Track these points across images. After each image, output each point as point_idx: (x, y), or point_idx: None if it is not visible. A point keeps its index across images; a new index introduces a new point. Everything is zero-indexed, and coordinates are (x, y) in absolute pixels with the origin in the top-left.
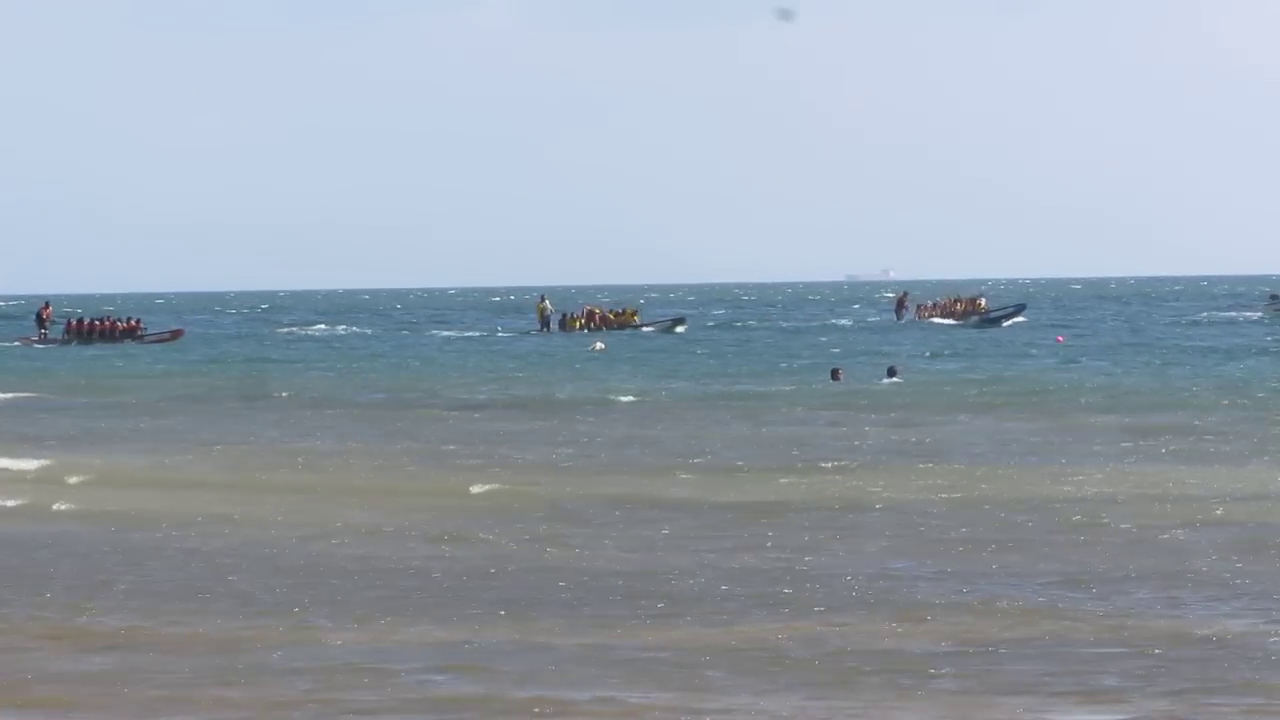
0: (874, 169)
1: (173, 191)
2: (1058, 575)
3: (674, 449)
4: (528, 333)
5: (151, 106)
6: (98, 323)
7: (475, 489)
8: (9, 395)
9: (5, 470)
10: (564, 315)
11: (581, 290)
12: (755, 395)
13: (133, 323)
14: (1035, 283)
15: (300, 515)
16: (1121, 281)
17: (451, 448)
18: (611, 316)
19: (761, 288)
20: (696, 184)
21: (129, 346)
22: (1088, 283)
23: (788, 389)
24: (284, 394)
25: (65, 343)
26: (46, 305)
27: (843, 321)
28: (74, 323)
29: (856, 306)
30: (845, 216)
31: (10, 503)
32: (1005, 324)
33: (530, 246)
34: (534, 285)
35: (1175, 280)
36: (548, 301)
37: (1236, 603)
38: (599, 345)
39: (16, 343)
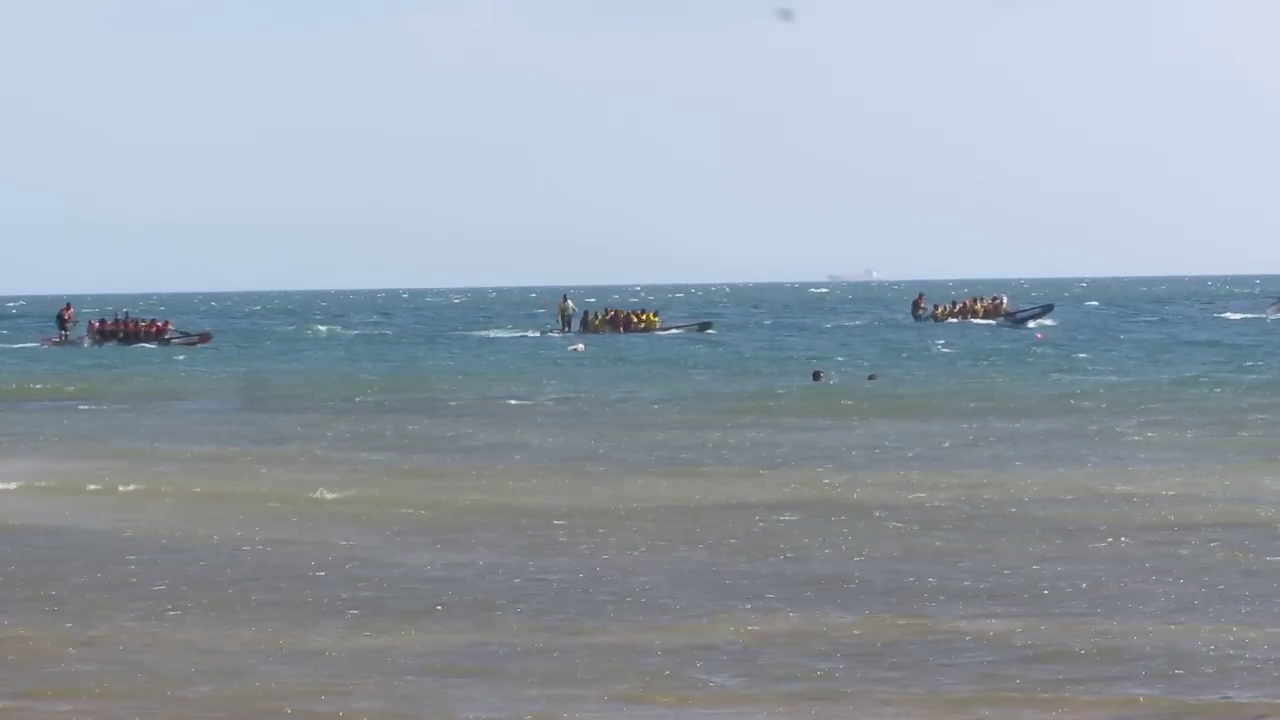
0: (857, 168)
1: (155, 192)
2: (1047, 578)
3: (656, 453)
4: (548, 332)
5: (133, 107)
6: (122, 324)
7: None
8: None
9: None
10: (585, 314)
11: (556, 292)
12: (727, 395)
13: (159, 324)
14: (1029, 282)
15: (263, 520)
16: (1113, 281)
17: (450, 455)
18: (634, 318)
19: (756, 288)
20: (679, 184)
21: (151, 349)
22: (1070, 283)
23: (765, 389)
24: (276, 396)
25: (88, 344)
26: (68, 306)
27: (855, 322)
28: (96, 324)
29: (863, 308)
30: (828, 216)
31: None
32: (1031, 325)
33: (513, 247)
34: (522, 286)
35: (1163, 280)
36: (570, 301)
37: (1229, 606)
38: (579, 346)
39: (37, 343)
